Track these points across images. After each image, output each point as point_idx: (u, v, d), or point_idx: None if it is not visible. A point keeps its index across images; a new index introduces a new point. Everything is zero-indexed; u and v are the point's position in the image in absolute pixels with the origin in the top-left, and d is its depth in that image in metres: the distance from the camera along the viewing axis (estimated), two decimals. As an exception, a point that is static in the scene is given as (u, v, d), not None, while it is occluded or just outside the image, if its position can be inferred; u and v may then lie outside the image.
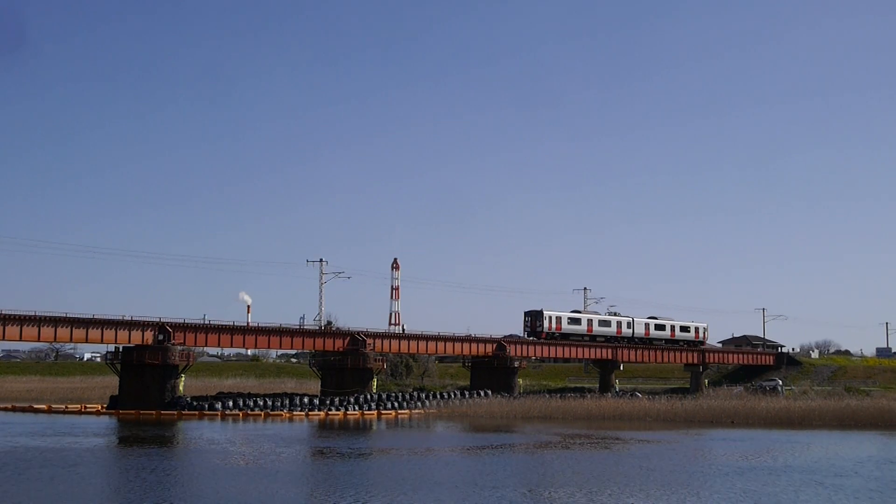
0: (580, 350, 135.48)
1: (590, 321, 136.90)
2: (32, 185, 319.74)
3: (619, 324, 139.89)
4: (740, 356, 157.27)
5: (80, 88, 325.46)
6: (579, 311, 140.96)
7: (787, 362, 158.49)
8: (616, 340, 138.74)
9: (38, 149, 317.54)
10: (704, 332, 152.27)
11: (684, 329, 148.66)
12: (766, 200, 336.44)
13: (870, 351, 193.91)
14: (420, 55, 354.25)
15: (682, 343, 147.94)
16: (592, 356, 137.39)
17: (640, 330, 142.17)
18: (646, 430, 79.49)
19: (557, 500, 36.28)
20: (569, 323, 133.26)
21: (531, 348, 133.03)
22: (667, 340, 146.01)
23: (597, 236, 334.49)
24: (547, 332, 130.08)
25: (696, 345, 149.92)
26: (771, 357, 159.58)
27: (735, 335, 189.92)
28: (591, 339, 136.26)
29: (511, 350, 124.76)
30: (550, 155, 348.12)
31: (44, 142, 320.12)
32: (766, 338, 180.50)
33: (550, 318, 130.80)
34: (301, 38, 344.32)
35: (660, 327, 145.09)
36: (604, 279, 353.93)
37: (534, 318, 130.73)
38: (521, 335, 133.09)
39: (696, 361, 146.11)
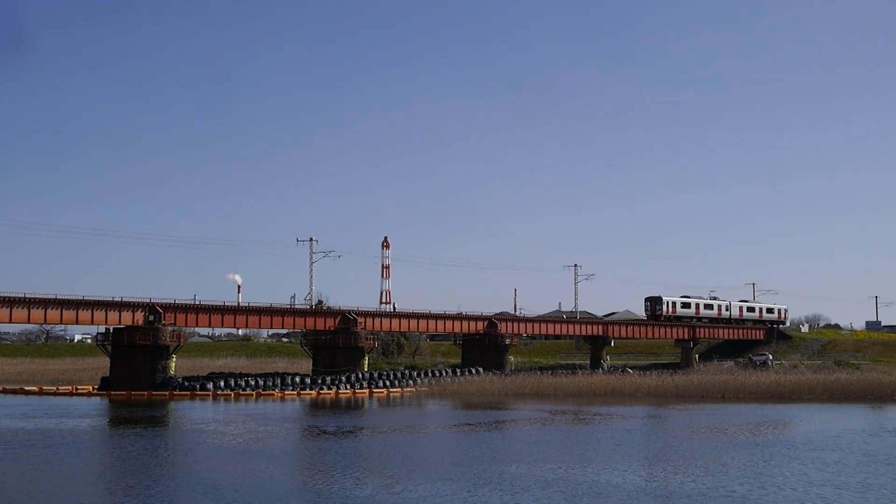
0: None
1: (697, 305, 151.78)
2: (23, 168, 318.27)
3: (719, 307, 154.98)
4: (731, 331, 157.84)
5: (74, 73, 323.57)
6: (689, 297, 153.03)
7: (778, 337, 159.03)
8: (717, 322, 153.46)
9: (29, 133, 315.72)
10: (785, 313, 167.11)
11: (769, 311, 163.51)
12: (757, 176, 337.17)
13: (859, 325, 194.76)
14: (409, 37, 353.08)
15: (767, 322, 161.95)
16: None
17: (735, 312, 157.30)
18: (636, 405, 79.79)
19: (534, 476, 36.31)
20: (681, 307, 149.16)
21: (522, 325, 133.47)
22: (755, 321, 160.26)
23: (587, 213, 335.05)
24: (665, 315, 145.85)
25: (779, 324, 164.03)
26: (761, 332, 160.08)
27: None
28: (697, 320, 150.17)
29: (502, 327, 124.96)
30: (540, 134, 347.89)
31: (35, 126, 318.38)
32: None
33: (667, 302, 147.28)
34: (291, 21, 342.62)
35: (750, 309, 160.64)
36: (594, 256, 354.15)
37: (653, 302, 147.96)
38: (646, 318, 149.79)
39: (686, 337, 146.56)
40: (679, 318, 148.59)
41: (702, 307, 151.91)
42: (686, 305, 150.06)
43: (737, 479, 35.74)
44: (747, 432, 55.06)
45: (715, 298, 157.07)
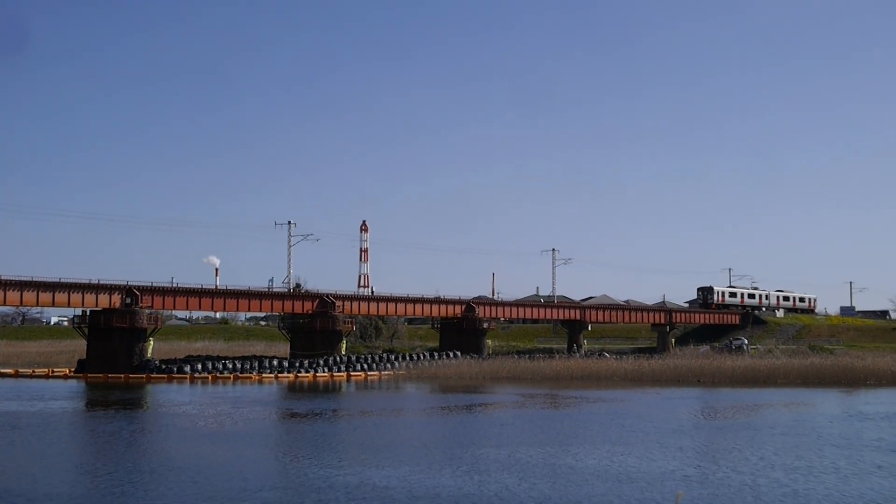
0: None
1: (742, 294, 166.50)
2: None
3: (759, 296, 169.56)
4: (707, 316, 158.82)
5: (60, 60, 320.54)
6: (735, 287, 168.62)
7: (753, 321, 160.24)
8: (755, 309, 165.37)
9: (8, 117, 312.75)
10: (814, 302, 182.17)
11: (801, 300, 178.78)
12: (734, 161, 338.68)
13: (834, 310, 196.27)
14: (389, 24, 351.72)
15: (799, 310, 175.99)
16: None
17: (773, 301, 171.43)
18: (612, 389, 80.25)
19: (495, 458, 36.56)
20: (729, 296, 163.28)
21: (500, 309, 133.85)
22: (788, 309, 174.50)
23: (565, 198, 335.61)
24: (716, 304, 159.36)
25: (810, 312, 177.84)
26: (737, 316, 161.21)
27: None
28: (742, 308, 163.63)
29: (480, 311, 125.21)
30: (519, 120, 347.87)
31: (15, 111, 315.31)
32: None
33: (718, 292, 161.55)
34: (276, 8, 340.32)
35: (786, 298, 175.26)
36: (572, 241, 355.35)
37: (706, 292, 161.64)
38: (694, 305, 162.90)
39: (662, 321, 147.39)
40: (727, 306, 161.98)
41: (745, 296, 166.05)
42: (733, 295, 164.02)
43: (692, 462, 35.99)
44: (716, 416, 55.46)
45: (756, 289, 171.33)
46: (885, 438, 44.24)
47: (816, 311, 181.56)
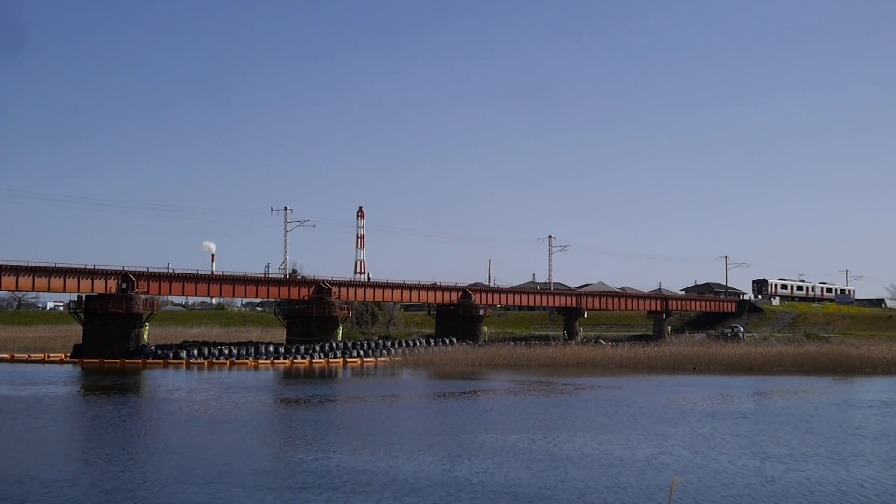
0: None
1: (791, 286, 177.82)
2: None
3: (807, 288, 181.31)
4: (703, 303, 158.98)
5: (55, 47, 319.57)
6: (785, 279, 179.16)
7: (749, 309, 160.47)
8: (803, 300, 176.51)
9: (9, 103, 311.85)
10: (853, 293, 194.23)
11: (841, 292, 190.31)
12: (730, 147, 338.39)
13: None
14: (388, 12, 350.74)
15: (839, 302, 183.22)
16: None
17: (818, 293, 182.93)
18: (607, 376, 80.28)
19: (476, 444, 36.65)
20: (780, 288, 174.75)
21: (496, 296, 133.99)
22: (830, 300, 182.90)
23: (561, 184, 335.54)
24: (769, 295, 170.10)
25: (850, 304, 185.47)
26: (733, 304, 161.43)
27: (698, 283, 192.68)
28: (792, 299, 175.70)
29: (476, 298, 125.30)
30: (514, 105, 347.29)
31: (15, 97, 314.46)
32: (728, 285, 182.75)
33: (771, 284, 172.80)
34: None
35: (829, 290, 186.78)
36: (569, 227, 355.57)
37: (760, 284, 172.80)
38: (754, 297, 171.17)
39: (658, 309, 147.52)
40: (779, 296, 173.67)
41: (794, 288, 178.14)
42: (784, 287, 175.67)
43: (672, 450, 35.82)
44: (706, 403, 55.28)
45: (803, 281, 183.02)
46: (869, 427, 44.36)
47: (853, 300, 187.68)
